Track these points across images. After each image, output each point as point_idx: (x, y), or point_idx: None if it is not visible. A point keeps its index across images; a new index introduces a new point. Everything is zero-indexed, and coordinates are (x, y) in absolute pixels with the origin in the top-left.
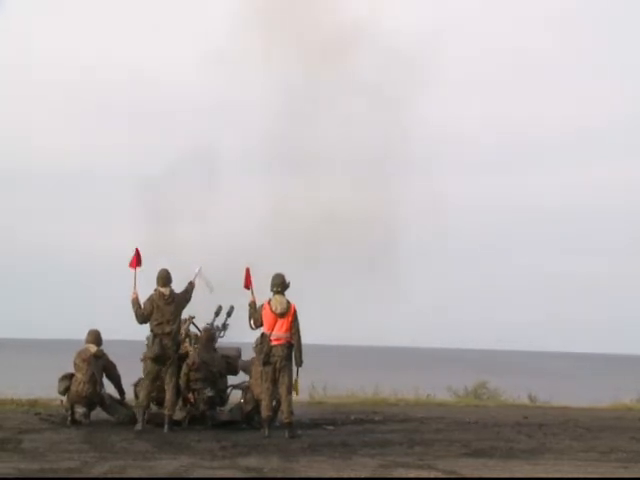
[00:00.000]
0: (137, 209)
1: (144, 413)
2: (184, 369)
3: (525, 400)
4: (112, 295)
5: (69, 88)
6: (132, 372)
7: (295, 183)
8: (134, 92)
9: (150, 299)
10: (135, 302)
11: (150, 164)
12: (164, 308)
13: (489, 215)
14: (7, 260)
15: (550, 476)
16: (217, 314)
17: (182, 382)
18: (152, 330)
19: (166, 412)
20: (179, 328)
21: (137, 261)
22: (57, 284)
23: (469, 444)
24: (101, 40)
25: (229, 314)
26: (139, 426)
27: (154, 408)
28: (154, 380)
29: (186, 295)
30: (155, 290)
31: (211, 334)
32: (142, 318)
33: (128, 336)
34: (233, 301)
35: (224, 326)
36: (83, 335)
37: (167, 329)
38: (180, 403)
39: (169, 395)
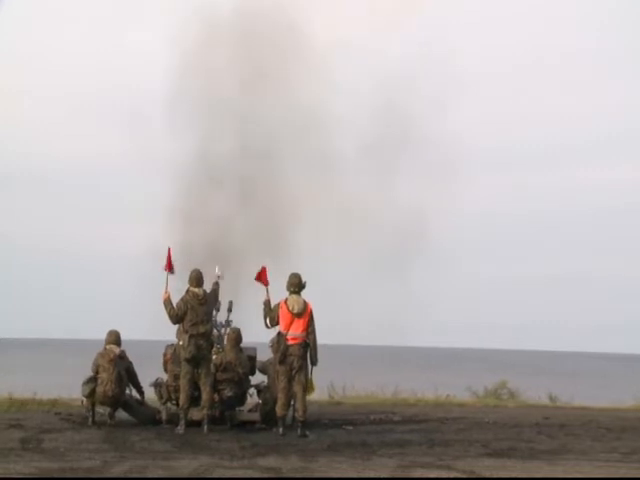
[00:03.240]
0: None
1: (186, 416)
2: (211, 369)
3: (545, 400)
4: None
5: (71, 90)
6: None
7: (312, 182)
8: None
9: (184, 300)
10: (168, 302)
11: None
12: (198, 309)
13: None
14: (13, 261)
15: (570, 476)
16: (217, 310)
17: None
18: (186, 331)
19: (204, 412)
20: (212, 328)
21: (170, 262)
22: (60, 284)
23: (489, 444)
24: (104, 41)
25: (229, 309)
26: (181, 429)
27: (173, 408)
28: (190, 381)
29: (215, 295)
30: (188, 291)
31: (239, 334)
32: (176, 318)
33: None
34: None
35: (227, 322)
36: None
37: (202, 329)
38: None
39: (205, 394)
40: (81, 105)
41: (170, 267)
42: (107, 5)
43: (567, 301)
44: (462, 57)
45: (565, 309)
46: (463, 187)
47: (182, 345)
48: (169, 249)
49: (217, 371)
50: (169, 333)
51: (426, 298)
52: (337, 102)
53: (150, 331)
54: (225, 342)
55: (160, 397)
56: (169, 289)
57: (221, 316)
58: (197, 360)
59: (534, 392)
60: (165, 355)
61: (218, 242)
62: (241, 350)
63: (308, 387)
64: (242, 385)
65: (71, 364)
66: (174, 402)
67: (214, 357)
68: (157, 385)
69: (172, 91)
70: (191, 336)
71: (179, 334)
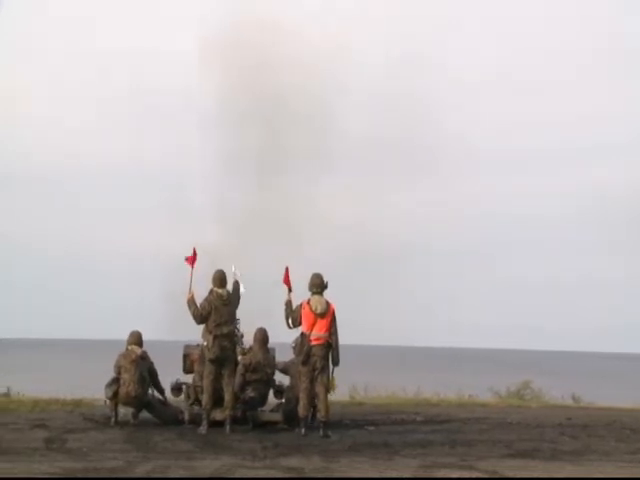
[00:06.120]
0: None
1: (209, 416)
2: (240, 369)
3: (568, 401)
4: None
5: (73, 90)
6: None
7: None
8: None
9: (208, 300)
10: (192, 302)
11: (161, 166)
12: (222, 309)
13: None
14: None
15: (593, 476)
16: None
17: (238, 383)
18: (210, 331)
19: (227, 412)
20: (235, 329)
21: (194, 261)
22: (60, 284)
23: (511, 445)
24: (107, 41)
25: None
26: (203, 429)
27: (196, 409)
28: (214, 381)
29: (237, 294)
30: (211, 291)
31: (265, 334)
32: (201, 319)
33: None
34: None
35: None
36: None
37: (225, 330)
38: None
39: (228, 395)
40: (83, 105)
41: (193, 264)
42: (109, 6)
43: (569, 302)
44: (463, 59)
45: (567, 310)
46: (465, 188)
47: (206, 346)
48: (194, 249)
49: (247, 371)
50: (170, 333)
51: (430, 299)
52: (337, 103)
53: (151, 331)
54: (243, 342)
55: (187, 397)
56: (193, 289)
57: None
58: (221, 361)
59: (556, 392)
60: (191, 355)
61: (220, 242)
62: (268, 350)
63: (329, 386)
64: (269, 385)
65: (72, 364)
66: (196, 403)
67: (239, 357)
68: (178, 386)
69: (172, 92)
70: (215, 337)
71: (204, 334)
